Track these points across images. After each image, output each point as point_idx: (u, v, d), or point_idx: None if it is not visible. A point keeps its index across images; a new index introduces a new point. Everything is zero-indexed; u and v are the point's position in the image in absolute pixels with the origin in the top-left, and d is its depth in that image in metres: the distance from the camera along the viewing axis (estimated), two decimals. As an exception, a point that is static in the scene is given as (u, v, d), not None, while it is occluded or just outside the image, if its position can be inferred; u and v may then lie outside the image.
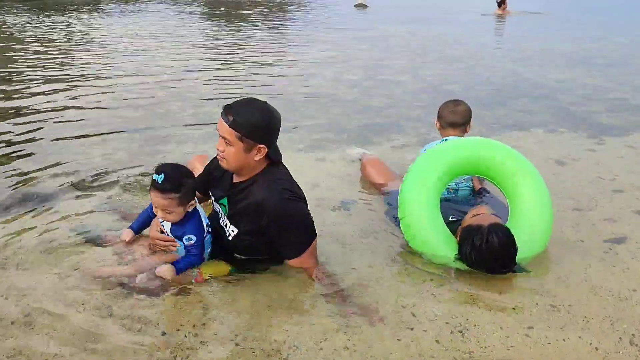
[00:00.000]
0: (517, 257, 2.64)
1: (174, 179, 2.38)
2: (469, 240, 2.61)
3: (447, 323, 2.32)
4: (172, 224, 2.53)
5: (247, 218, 2.47)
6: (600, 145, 4.87)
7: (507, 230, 2.62)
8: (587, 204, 3.57)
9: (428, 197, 2.84)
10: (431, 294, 2.54)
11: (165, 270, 2.45)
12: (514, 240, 2.59)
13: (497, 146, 3.03)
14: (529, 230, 2.81)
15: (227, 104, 2.37)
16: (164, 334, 2.20)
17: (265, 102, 2.45)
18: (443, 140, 3.50)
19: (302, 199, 2.53)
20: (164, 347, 2.12)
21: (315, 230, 2.59)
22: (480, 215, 2.73)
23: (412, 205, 2.84)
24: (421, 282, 2.63)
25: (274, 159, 2.48)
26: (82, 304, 2.34)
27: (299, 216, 2.50)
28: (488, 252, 2.56)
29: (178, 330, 2.23)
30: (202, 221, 2.56)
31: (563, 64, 9.15)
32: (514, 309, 2.44)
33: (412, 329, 2.27)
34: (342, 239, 3.02)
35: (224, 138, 2.36)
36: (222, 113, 2.36)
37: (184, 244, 2.52)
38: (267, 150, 2.40)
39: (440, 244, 2.77)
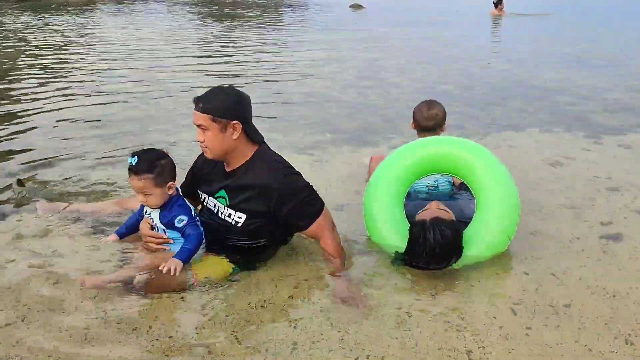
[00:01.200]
0: (471, 254, 2.65)
1: (146, 160, 2.45)
2: (410, 233, 2.62)
3: (444, 322, 2.32)
4: (160, 213, 2.55)
5: (255, 202, 2.55)
6: (595, 145, 4.88)
7: (451, 224, 2.60)
8: (583, 203, 3.57)
9: (387, 194, 2.89)
10: (428, 293, 2.53)
11: (173, 265, 2.41)
12: (453, 236, 2.57)
13: (458, 142, 2.99)
14: (486, 227, 2.76)
15: (196, 96, 2.51)
16: (159, 335, 2.18)
17: (231, 86, 2.62)
18: None
19: (299, 173, 2.67)
20: (159, 348, 2.11)
21: (321, 198, 2.70)
22: (426, 211, 2.74)
23: (370, 203, 2.92)
24: (418, 280, 2.62)
25: (254, 138, 2.58)
26: (77, 307, 2.32)
27: (305, 187, 2.64)
28: (426, 246, 2.54)
29: (175, 332, 2.21)
30: (187, 202, 2.60)
31: (558, 64, 9.18)
32: (511, 308, 2.43)
33: (408, 329, 2.26)
34: (340, 239, 3.00)
35: (200, 126, 2.48)
36: (194, 105, 2.49)
37: (177, 227, 2.53)
38: (241, 125, 2.48)
39: (393, 238, 2.79)
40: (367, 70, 8.27)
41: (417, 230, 2.59)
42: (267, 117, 5.37)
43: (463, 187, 3.25)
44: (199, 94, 2.52)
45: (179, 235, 2.57)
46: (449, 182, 3.32)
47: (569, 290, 2.58)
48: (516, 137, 5.10)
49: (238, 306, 2.39)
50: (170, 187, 2.53)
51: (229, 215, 2.62)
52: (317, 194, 2.69)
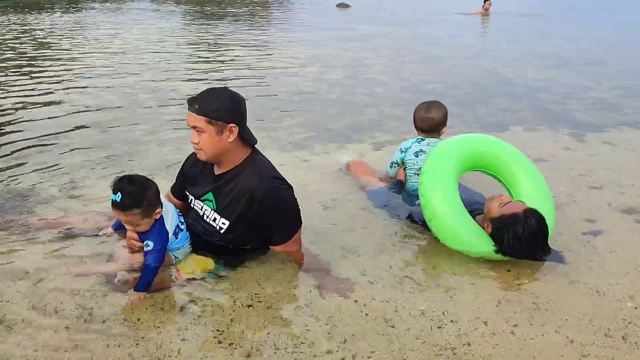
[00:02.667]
0: None
1: (131, 195, 2.31)
2: (510, 230, 2.62)
3: (430, 319, 2.33)
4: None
5: (238, 207, 2.52)
6: (578, 143, 4.94)
7: (540, 213, 2.66)
8: (564, 200, 3.61)
9: (451, 195, 2.89)
10: (414, 290, 2.55)
11: (133, 298, 2.35)
12: (545, 220, 2.66)
13: (500, 143, 3.21)
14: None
15: (191, 97, 2.45)
16: (143, 335, 2.17)
17: (226, 87, 2.58)
18: (419, 138, 3.55)
19: (291, 187, 2.63)
20: (143, 349, 2.10)
21: (301, 218, 2.68)
22: (508, 204, 2.75)
23: (439, 206, 2.87)
24: (404, 278, 2.64)
25: (247, 140, 2.55)
26: (61, 304, 2.30)
27: (289, 203, 2.60)
28: (531, 238, 2.60)
29: (159, 332, 2.20)
30: (164, 228, 2.48)
31: (543, 63, 9.27)
32: (495, 305, 2.46)
33: (393, 326, 2.28)
34: (325, 237, 3.01)
35: (195, 128, 2.43)
36: (188, 106, 2.44)
37: (143, 249, 2.44)
38: (238, 129, 2.45)
39: (473, 238, 2.79)
40: (353, 69, 8.28)
41: (520, 225, 2.60)
42: (254, 116, 5.35)
43: None
44: (193, 95, 2.46)
45: (172, 239, 2.53)
46: None
47: (551, 287, 2.61)
48: (500, 135, 5.11)
49: (223, 304, 2.38)
50: (157, 214, 2.44)
51: (214, 220, 2.60)
52: (299, 213, 2.65)
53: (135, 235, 2.53)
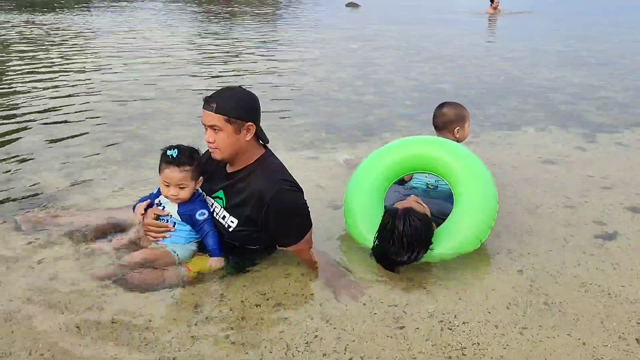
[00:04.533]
0: (439, 251, 2.64)
1: (187, 152, 2.51)
2: (380, 221, 2.60)
3: (439, 320, 2.32)
4: (180, 205, 2.57)
5: (248, 208, 2.52)
6: (590, 143, 4.89)
7: (422, 216, 2.59)
8: (577, 201, 3.58)
9: (367, 190, 2.91)
10: (423, 291, 2.53)
11: (215, 263, 2.56)
12: (422, 228, 2.55)
13: (437, 142, 3.04)
14: (457, 226, 2.76)
15: (207, 95, 2.47)
16: (154, 333, 2.18)
17: (241, 86, 2.60)
18: None
19: (300, 190, 2.63)
20: (152, 347, 2.10)
21: (311, 220, 2.67)
22: (402, 202, 2.74)
23: (349, 198, 2.95)
24: (412, 279, 2.63)
25: (263, 139, 2.58)
26: (69, 303, 2.32)
27: (298, 206, 2.60)
28: (393, 235, 2.52)
29: (169, 330, 2.21)
30: (206, 203, 2.65)
31: (553, 63, 9.20)
32: (506, 306, 2.44)
33: (402, 327, 2.26)
34: (333, 237, 3.01)
35: (212, 127, 2.44)
36: (204, 105, 2.45)
37: (196, 220, 2.57)
38: (255, 128, 2.48)
39: (364, 228, 2.81)
40: (363, 68, 8.26)
41: (387, 217, 2.59)
42: (262, 116, 5.35)
43: None
44: (209, 94, 2.48)
45: (189, 229, 2.59)
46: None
47: (563, 288, 2.59)
48: (511, 135, 5.11)
49: (232, 303, 2.38)
50: (199, 183, 2.58)
51: (223, 218, 2.60)
52: (309, 215, 2.66)
53: (155, 222, 2.56)
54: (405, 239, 2.53)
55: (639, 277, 2.69)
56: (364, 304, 2.41)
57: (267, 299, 2.42)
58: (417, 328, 2.26)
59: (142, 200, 2.71)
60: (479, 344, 2.18)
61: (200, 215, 2.57)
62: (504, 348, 2.16)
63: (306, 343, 2.15)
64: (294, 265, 2.68)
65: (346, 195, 3.00)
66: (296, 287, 2.54)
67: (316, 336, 2.19)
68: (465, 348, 2.15)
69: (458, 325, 2.29)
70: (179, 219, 2.59)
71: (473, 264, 2.76)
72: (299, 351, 2.11)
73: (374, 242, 2.66)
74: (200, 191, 2.66)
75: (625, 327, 2.31)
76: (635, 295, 2.54)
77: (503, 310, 2.40)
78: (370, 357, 2.09)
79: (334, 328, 2.25)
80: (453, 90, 6.86)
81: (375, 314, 2.35)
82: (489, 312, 2.38)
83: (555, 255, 2.89)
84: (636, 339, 2.23)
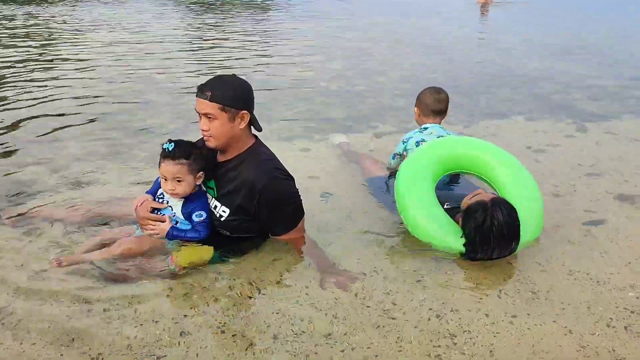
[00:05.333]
0: (524, 239, 2.64)
1: (183, 146, 2.49)
2: (472, 217, 2.55)
3: (429, 309, 2.32)
4: (183, 204, 2.55)
5: (239, 197, 2.52)
6: (579, 132, 4.92)
7: (510, 203, 2.58)
8: (566, 190, 3.60)
9: (422, 188, 2.87)
10: (414, 281, 2.54)
11: (161, 228, 2.51)
12: (517, 213, 2.56)
13: (484, 145, 3.15)
14: (530, 213, 2.80)
15: (201, 84, 2.44)
16: (143, 325, 2.17)
17: (234, 74, 2.58)
18: (422, 128, 3.51)
19: (292, 178, 2.62)
20: (142, 339, 2.10)
21: (303, 208, 2.68)
22: (478, 195, 2.69)
23: (408, 199, 2.85)
24: (404, 268, 2.63)
25: (257, 127, 2.56)
26: (57, 296, 2.30)
27: (290, 195, 2.60)
28: (493, 228, 2.49)
29: (156, 322, 2.20)
30: (207, 202, 2.62)
31: (544, 53, 9.22)
32: (496, 295, 2.45)
33: (393, 318, 2.27)
34: (325, 227, 3.01)
35: (206, 115, 2.42)
36: (197, 93, 2.43)
37: (193, 221, 2.56)
38: (249, 116, 2.47)
39: (441, 231, 2.74)
40: (354, 59, 8.23)
41: (480, 214, 2.51)
42: (254, 106, 5.33)
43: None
44: (202, 82, 2.46)
45: (190, 226, 2.58)
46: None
47: (551, 277, 2.60)
48: (501, 125, 5.12)
49: (222, 293, 2.38)
50: (199, 178, 2.53)
51: (215, 207, 2.60)
52: (301, 204, 2.66)
53: (152, 215, 2.53)
54: (506, 230, 2.51)
55: (626, 265, 2.72)
56: (355, 294, 2.42)
57: (257, 289, 2.42)
58: (408, 318, 2.27)
59: (149, 192, 2.69)
60: (469, 331, 2.19)
61: (197, 216, 2.56)
62: (494, 336, 2.17)
63: (295, 333, 2.16)
64: (284, 254, 2.67)
65: (403, 204, 2.88)
66: (287, 276, 2.54)
67: (307, 326, 2.20)
68: (455, 336, 2.16)
69: (447, 314, 2.30)
70: (182, 217, 2.57)
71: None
72: (287, 341, 2.11)
73: (468, 246, 2.60)
74: (204, 189, 2.64)
75: (614, 313, 2.33)
76: (623, 283, 2.56)
77: (493, 299, 2.42)
78: (361, 347, 2.10)
79: (325, 317, 2.25)
80: (444, 81, 6.85)
81: (366, 305, 2.35)
82: (479, 301, 2.40)
83: (543, 244, 2.90)
84: (624, 326, 2.25)
